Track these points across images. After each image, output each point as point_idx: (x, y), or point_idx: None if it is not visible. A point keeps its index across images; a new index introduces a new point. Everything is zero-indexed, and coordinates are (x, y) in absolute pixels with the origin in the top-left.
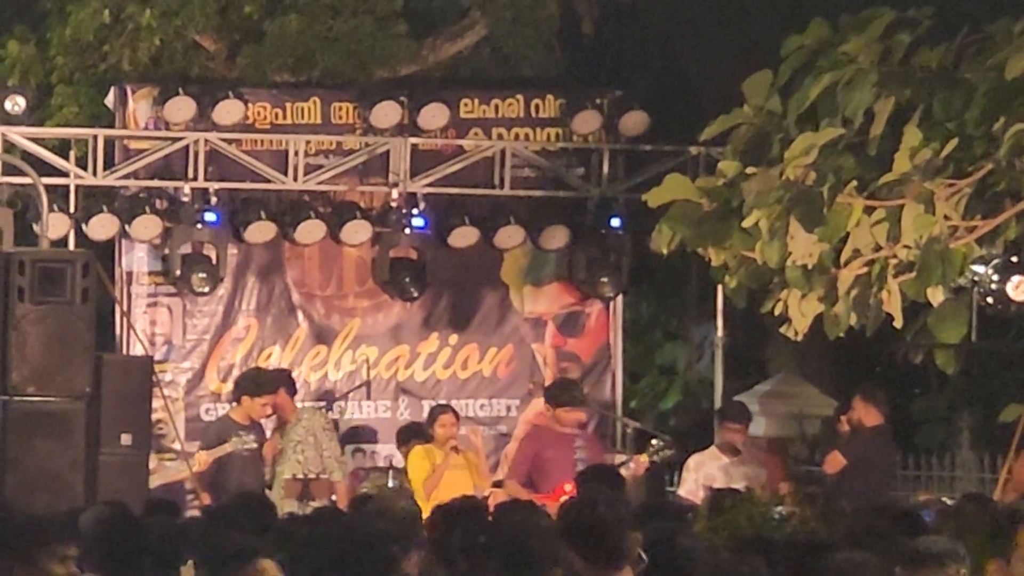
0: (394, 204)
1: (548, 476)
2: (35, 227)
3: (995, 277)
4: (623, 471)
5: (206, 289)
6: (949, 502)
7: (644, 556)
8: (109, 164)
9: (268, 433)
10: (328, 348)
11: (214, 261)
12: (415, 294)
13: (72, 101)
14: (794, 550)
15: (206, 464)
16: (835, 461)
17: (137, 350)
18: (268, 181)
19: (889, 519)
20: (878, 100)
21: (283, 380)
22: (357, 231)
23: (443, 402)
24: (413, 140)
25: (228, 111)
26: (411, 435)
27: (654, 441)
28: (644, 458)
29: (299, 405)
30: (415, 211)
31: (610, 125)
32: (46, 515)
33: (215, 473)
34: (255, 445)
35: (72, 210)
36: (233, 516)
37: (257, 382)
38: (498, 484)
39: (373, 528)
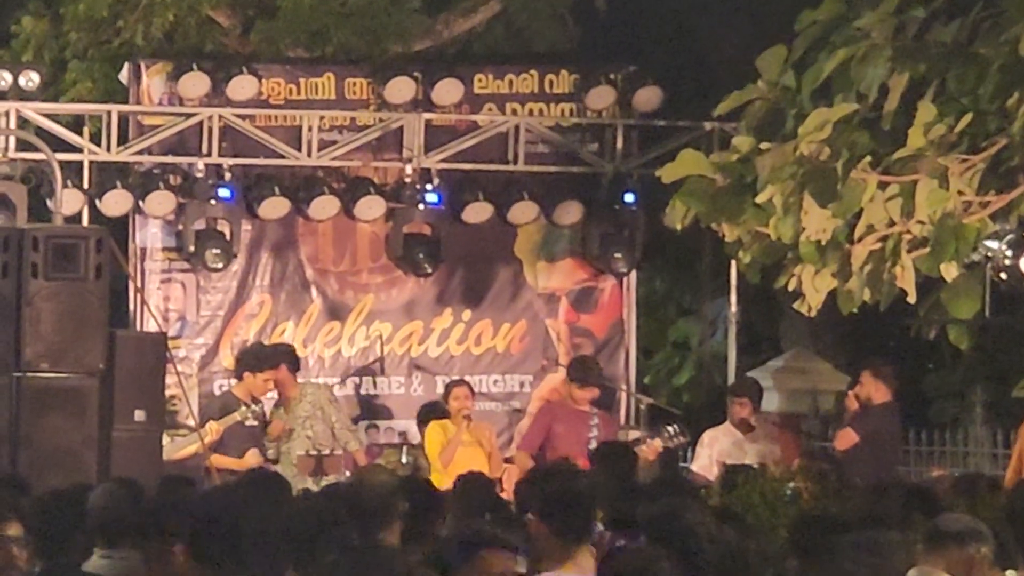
0: (408, 180)
1: (559, 451)
2: (49, 203)
3: (1009, 252)
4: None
5: (220, 265)
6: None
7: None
8: (123, 140)
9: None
10: (342, 324)
11: (228, 237)
12: (429, 270)
13: (86, 77)
14: (808, 527)
15: (218, 434)
16: (847, 438)
17: (151, 326)
18: (282, 157)
19: (903, 496)
20: (892, 75)
21: (285, 355)
22: (371, 207)
23: (457, 378)
24: (427, 116)
25: (242, 87)
26: (430, 414)
27: (670, 428)
28: (658, 443)
29: (300, 381)
30: (429, 187)
31: (624, 100)
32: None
33: (218, 446)
34: (256, 422)
35: (86, 186)
36: (247, 493)
37: (258, 357)
38: (509, 460)
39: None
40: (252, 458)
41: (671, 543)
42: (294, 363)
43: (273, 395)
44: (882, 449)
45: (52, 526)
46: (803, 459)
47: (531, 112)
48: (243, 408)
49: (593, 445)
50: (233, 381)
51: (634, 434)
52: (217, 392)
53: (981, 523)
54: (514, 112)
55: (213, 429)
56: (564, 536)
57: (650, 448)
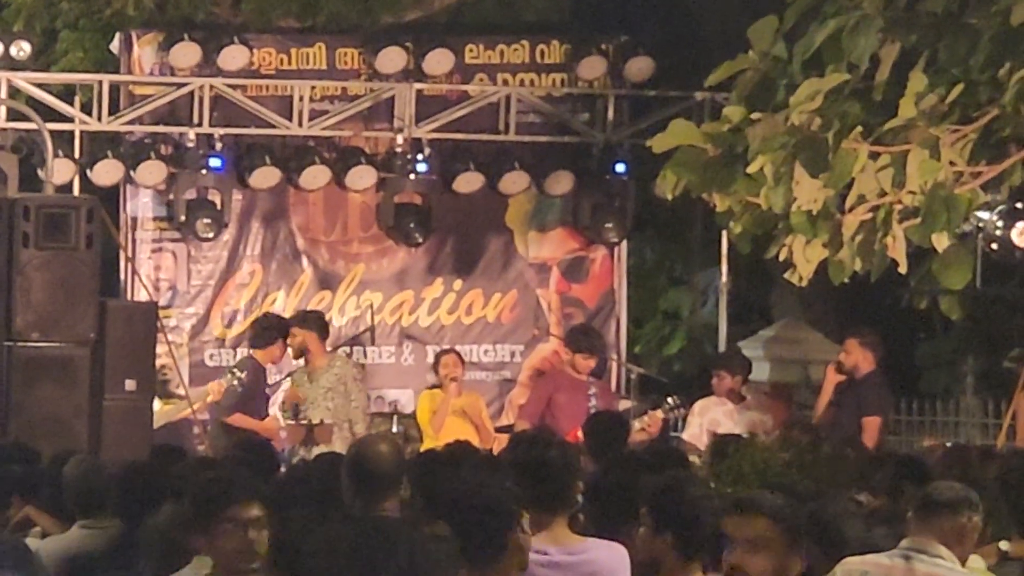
0: (399, 150)
1: (559, 421)
2: (40, 172)
3: (1000, 223)
4: (636, 424)
5: (211, 235)
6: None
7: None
8: (114, 110)
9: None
10: (333, 294)
11: (219, 207)
12: (420, 239)
13: (77, 47)
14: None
15: (219, 394)
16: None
17: (141, 296)
18: (273, 127)
19: (893, 465)
20: (883, 46)
21: (316, 322)
22: (362, 176)
23: (447, 347)
24: (418, 86)
25: (233, 57)
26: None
27: (670, 399)
28: (659, 414)
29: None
30: (420, 156)
31: (615, 71)
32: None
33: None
34: (240, 389)
35: (77, 156)
36: (237, 463)
37: (283, 323)
38: (503, 430)
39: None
40: (272, 421)
41: (673, 516)
42: (324, 331)
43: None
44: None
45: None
46: (784, 429)
47: (522, 82)
48: (228, 375)
49: (596, 411)
50: (224, 351)
51: (624, 404)
52: (208, 362)
53: (972, 491)
54: (505, 82)
55: (214, 389)
56: (539, 505)
57: (652, 419)
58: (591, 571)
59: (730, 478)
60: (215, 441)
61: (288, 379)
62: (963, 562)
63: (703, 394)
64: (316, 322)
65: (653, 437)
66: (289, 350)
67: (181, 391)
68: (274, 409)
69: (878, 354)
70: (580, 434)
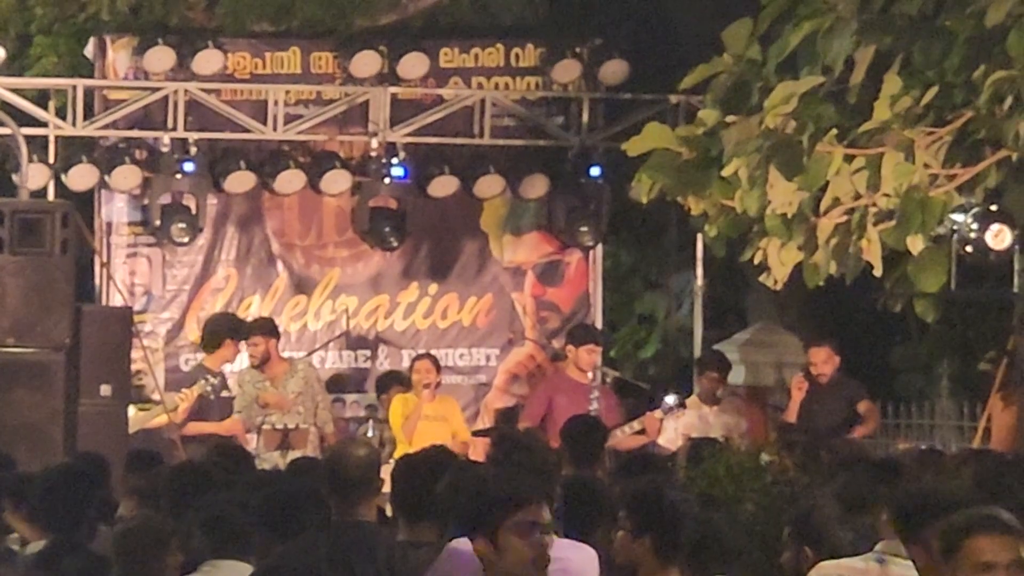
0: (374, 154)
1: (558, 424)
2: (14, 177)
3: (975, 226)
4: (635, 425)
5: (186, 239)
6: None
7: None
8: (88, 114)
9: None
10: (308, 298)
11: (193, 211)
12: (395, 244)
13: (51, 51)
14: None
15: (191, 400)
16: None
17: (117, 301)
18: (248, 131)
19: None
20: (858, 48)
21: (268, 328)
22: (337, 181)
23: (422, 351)
24: (393, 90)
25: (207, 61)
26: (390, 383)
27: (669, 399)
28: (658, 414)
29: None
30: (395, 160)
31: (590, 74)
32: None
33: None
34: (213, 396)
35: (51, 160)
36: (211, 467)
37: (235, 326)
38: (478, 433)
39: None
40: (233, 424)
41: (652, 521)
42: (277, 336)
43: (231, 367)
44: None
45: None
46: (774, 431)
47: (497, 86)
48: (202, 381)
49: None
50: (199, 355)
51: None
52: (184, 367)
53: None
54: (480, 86)
55: (186, 395)
56: None
57: (648, 421)
58: (561, 569)
59: (705, 482)
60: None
61: (238, 387)
62: None
63: (680, 397)
64: (275, 328)
65: (652, 440)
66: (245, 353)
67: (156, 396)
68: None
69: (841, 357)
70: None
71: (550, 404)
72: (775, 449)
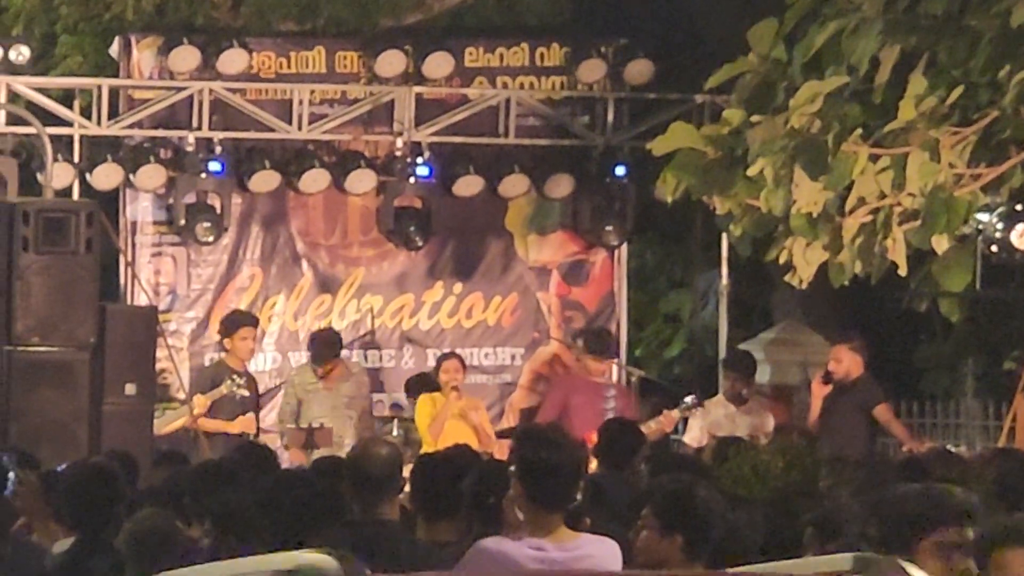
0: (399, 153)
1: (574, 423)
2: (39, 177)
3: (999, 225)
4: (652, 424)
5: (210, 238)
6: (953, 450)
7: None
8: (113, 114)
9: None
10: (332, 297)
11: (218, 211)
12: (419, 243)
13: (76, 51)
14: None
15: (205, 407)
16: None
17: (141, 300)
18: (272, 130)
19: (893, 468)
20: (883, 48)
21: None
22: (361, 180)
23: (448, 351)
24: (418, 89)
25: (232, 60)
26: (420, 386)
27: (687, 398)
28: (676, 413)
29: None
30: (420, 160)
31: (615, 73)
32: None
33: (207, 417)
34: (247, 392)
35: (76, 160)
36: (234, 465)
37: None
38: (503, 433)
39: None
40: (245, 422)
41: (683, 519)
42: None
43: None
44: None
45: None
46: (777, 434)
47: (522, 85)
48: (228, 381)
49: (610, 417)
50: (222, 353)
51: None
52: (208, 366)
53: (971, 495)
54: (505, 85)
55: (200, 402)
56: (539, 503)
57: (666, 418)
58: (586, 565)
59: (730, 480)
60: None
61: (288, 385)
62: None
63: (705, 396)
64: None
65: (666, 433)
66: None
67: (181, 395)
68: (273, 415)
69: (866, 358)
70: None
71: (565, 404)
72: (777, 451)
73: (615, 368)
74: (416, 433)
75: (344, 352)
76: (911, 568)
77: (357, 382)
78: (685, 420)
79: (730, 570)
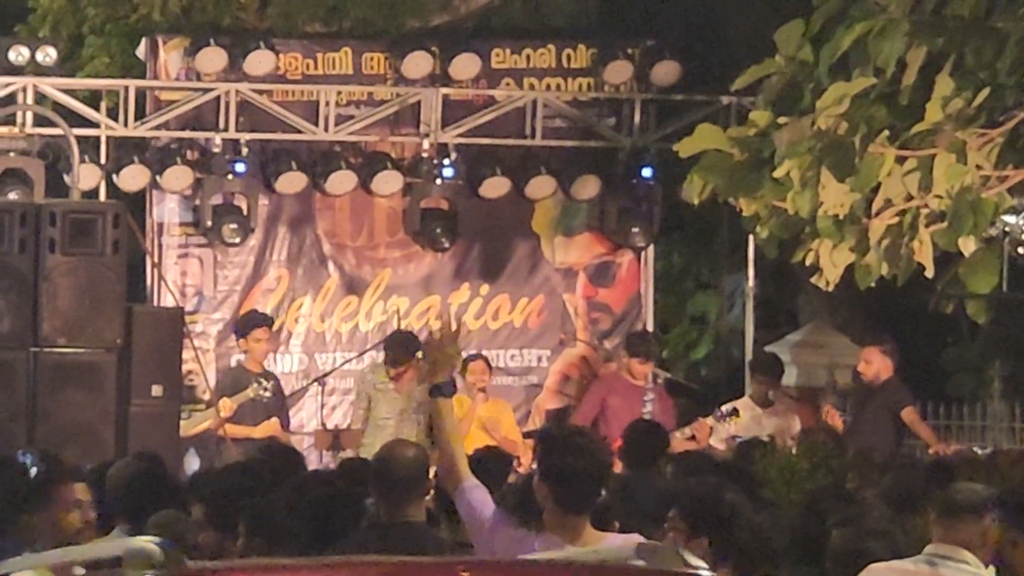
0: (425, 154)
1: (611, 425)
2: (66, 178)
3: None
4: (687, 430)
5: (237, 240)
6: (980, 452)
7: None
8: (140, 115)
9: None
10: (359, 299)
11: (245, 212)
12: (446, 244)
13: (103, 52)
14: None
15: (231, 410)
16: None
17: (168, 301)
18: (299, 132)
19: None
20: (910, 49)
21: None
22: (388, 182)
23: (474, 352)
24: (444, 90)
25: (259, 62)
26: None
27: (723, 407)
28: (709, 421)
29: None
30: (446, 161)
31: (642, 75)
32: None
33: (232, 420)
34: (271, 395)
35: (103, 161)
36: (260, 467)
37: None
38: (528, 435)
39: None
40: (269, 427)
41: (710, 521)
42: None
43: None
44: (893, 424)
45: None
46: (804, 435)
47: (548, 87)
48: (255, 384)
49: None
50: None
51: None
52: (234, 365)
53: (993, 491)
54: (531, 87)
55: (227, 406)
56: (564, 506)
57: (699, 427)
58: None
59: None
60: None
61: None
62: (987, 564)
63: (730, 398)
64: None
65: (701, 446)
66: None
67: (207, 397)
68: (301, 415)
69: (896, 361)
70: None
71: (603, 405)
72: (808, 452)
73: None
74: None
75: (371, 353)
76: (688, 555)
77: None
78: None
79: (506, 559)
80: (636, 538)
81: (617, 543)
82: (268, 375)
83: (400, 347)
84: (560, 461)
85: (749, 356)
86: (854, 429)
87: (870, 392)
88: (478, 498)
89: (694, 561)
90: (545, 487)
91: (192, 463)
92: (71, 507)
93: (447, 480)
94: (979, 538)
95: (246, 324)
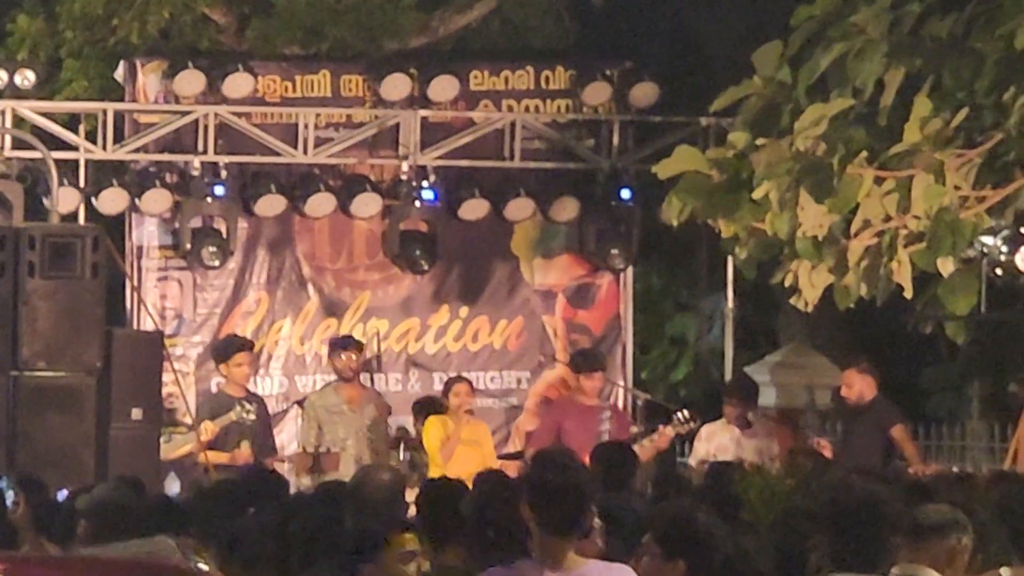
0: (404, 177)
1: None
2: (45, 201)
3: (1004, 248)
4: (646, 442)
5: (216, 263)
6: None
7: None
8: (119, 138)
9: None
10: (339, 321)
11: (224, 235)
12: (425, 267)
13: (81, 75)
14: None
15: (213, 434)
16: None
17: (148, 324)
18: (278, 154)
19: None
20: (888, 70)
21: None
22: (367, 204)
23: (456, 374)
24: (423, 112)
25: (238, 84)
26: (427, 409)
27: (680, 414)
28: (670, 430)
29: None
30: (425, 183)
31: (620, 96)
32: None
33: (212, 443)
34: (254, 417)
35: (82, 184)
36: (243, 491)
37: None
38: (507, 456)
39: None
40: (243, 452)
41: (685, 545)
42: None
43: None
44: (879, 445)
45: None
46: (789, 456)
47: (527, 108)
48: (238, 408)
49: (606, 439)
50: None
51: (633, 429)
52: (214, 390)
53: (960, 513)
54: (510, 108)
55: (209, 429)
56: (549, 528)
57: (662, 436)
58: None
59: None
60: None
61: (298, 408)
62: None
63: (710, 419)
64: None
65: (661, 451)
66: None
67: (188, 420)
68: (281, 437)
69: (878, 380)
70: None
71: (559, 430)
72: (791, 474)
73: (620, 391)
74: (422, 456)
75: (318, 376)
76: None
77: (376, 406)
78: (681, 436)
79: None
80: (622, 568)
81: (599, 570)
82: (252, 398)
83: (351, 340)
84: (545, 482)
85: (728, 377)
86: (845, 450)
87: (857, 412)
88: None
89: None
90: (530, 510)
91: (172, 486)
92: None
93: None
94: (945, 558)
95: (226, 349)
